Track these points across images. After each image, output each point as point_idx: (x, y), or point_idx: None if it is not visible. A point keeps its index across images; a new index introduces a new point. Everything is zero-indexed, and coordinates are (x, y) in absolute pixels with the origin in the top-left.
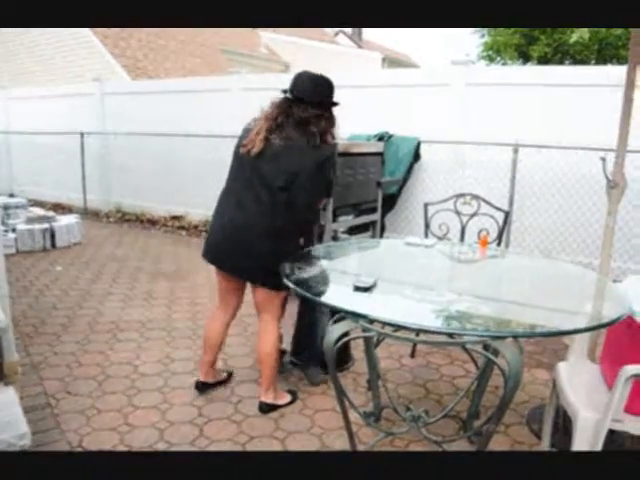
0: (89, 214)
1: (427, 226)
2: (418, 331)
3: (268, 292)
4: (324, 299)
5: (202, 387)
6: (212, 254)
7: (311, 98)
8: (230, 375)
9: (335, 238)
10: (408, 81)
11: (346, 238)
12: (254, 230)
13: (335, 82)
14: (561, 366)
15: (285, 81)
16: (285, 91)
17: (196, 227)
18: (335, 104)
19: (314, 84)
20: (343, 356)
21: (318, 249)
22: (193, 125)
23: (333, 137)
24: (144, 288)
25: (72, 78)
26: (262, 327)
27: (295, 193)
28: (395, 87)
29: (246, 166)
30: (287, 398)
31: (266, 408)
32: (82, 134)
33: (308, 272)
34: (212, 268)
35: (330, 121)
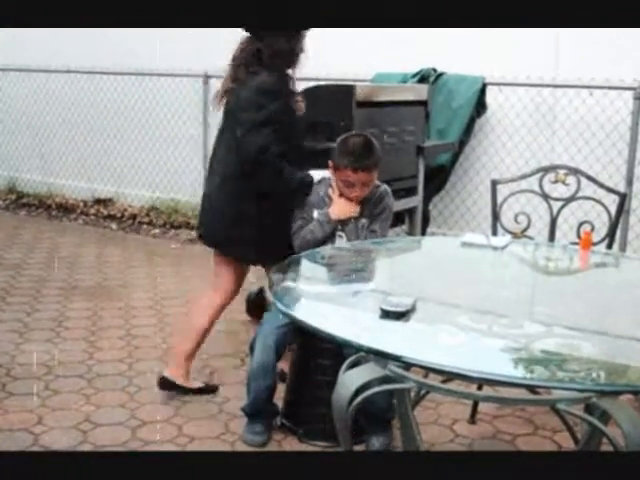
0: None
1: (496, 217)
2: (481, 382)
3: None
4: (331, 330)
5: (167, 386)
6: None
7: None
8: (212, 389)
9: None
10: None
11: None
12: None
13: None
14: None
15: None
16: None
17: (134, 217)
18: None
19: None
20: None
21: (324, 253)
22: (138, 56)
23: (287, 64)
24: (51, 312)
25: None
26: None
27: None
28: None
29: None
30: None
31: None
32: None
33: (308, 287)
34: (159, 280)
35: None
